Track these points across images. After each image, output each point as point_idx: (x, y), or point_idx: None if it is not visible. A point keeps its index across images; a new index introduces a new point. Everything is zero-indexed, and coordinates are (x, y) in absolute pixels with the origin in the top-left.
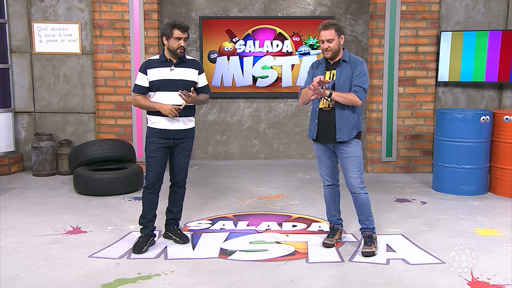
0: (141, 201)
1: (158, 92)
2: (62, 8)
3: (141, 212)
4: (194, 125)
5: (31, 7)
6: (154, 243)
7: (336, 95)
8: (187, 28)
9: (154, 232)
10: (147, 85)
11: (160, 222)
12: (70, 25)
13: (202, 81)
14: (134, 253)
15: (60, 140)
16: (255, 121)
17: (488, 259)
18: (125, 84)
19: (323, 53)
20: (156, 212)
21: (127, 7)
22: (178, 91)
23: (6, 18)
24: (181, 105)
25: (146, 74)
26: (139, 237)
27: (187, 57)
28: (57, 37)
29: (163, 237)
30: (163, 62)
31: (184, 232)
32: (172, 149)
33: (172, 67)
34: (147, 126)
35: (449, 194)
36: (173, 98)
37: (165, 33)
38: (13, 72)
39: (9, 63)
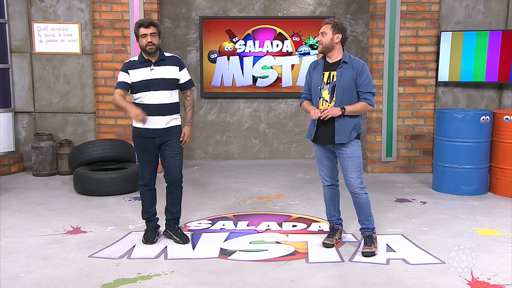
0: (141, 200)
1: (140, 93)
2: (62, 8)
3: (142, 208)
4: (180, 123)
5: (31, 7)
6: (160, 235)
7: (349, 111)
8: (150, 23)
9: (158, 223)
10: (129, 81)
11: (160, 222)
12: (70, 25)
13: (184, 76)
14: (146, 244)
15: (60, 140)
16: (255, 121)
17: (488, 259)
18: None
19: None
20: (156, 209)
21: (127, 7)
22: (160, 90)
23: (6, 18)
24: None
25: (129, 74)
26: (146, 230)
27: (166, 54)
28: (57, 37)
29: (163, 235)
30: (142, 63)
31: (184, 232)
32: (162, 148)
33: (152, 67)
34: (132, 126)
35: (449, 194)
36: (155, 97)
37: (135, 35)
38: (13, 72)
39: (9, 63)
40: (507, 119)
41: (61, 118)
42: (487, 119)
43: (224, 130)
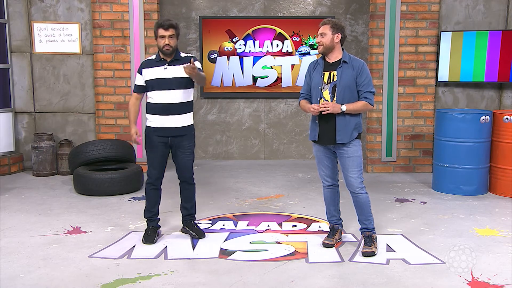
0: (141, 201)
1: (154, 91)
2: (62, 8)
3: (146, 206)
4: (192, 122)
5: (31, 7)
6: (160, 235)
7: (350, 110)
8: (170, 25)
9: (159, 223)
10: (143, 83)
11: (161, 223)
12: (70, 25)
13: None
14: (146, 244)
15: (60, 140)
16: (255, 121)
17: (488, 259)
18: (125, 84)
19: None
20: (159, 211)
21: (127, 7)
22: (172, 89)
23: (6, 18)
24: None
25: (142, 75)
26: (146, 230)
27: (182, 54)
28: (57, 37)
29: (181, 231)
30: (158, 62)
31: (201, 228)
32: (173, 148)
33: (166, 66)
34: (146, 125)
35: (449, 194)
36: (168, 96)
37: (154, 34)
38: (13, 72)
39: (9, 63)
40: (507, 119)
41: (61, 118)
42: (487, 119)
43: (224, 130)
